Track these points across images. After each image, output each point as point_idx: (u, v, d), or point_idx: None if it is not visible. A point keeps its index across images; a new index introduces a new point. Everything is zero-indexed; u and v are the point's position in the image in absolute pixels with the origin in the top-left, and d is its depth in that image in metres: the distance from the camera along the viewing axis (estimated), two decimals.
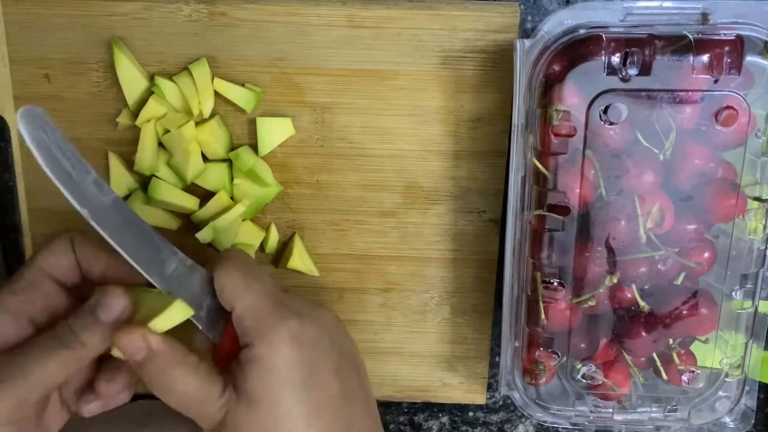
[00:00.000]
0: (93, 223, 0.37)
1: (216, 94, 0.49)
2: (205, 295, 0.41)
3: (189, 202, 0.50)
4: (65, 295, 0.40)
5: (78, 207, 0.36)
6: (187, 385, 0.38)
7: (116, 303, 0.37)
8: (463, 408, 0.59)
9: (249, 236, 0.51)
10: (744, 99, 0.43)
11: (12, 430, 0.36)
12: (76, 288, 0.41)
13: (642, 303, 0.47)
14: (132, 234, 0.39)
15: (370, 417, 0.43)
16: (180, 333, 0.39)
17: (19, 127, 0.34)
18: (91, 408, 0.40)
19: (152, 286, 0.40)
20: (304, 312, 0.40)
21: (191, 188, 0.50)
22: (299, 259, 0.52)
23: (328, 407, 0.39)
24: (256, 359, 0.38)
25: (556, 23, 0.44)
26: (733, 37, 0.43)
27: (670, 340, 0.48)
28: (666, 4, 0.43)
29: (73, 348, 0.37)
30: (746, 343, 0.49)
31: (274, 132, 0.50)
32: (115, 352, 0.38)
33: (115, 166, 0.50)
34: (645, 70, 0.43)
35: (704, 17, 0.43)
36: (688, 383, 0.49)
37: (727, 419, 0.50)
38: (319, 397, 0.39)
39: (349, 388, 0.41)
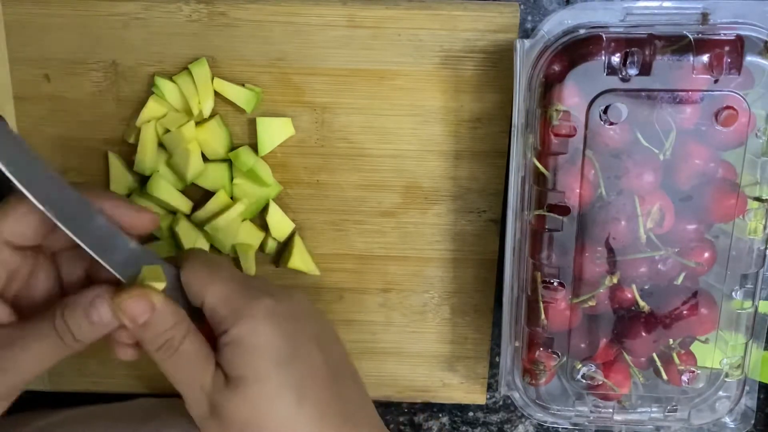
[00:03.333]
0: (60, 224, 0.37)
1: (216, 94, 0.49)
2: (175, 294, 0.40)
3: (183, 204, 0.50)
4: (28, 258, 0.39)
5: (42, 208, 0.36)
6: (190, 345, 0.38)
7: (105, 309, 0.37)
8: (463, 408, 0.59)
9: (249, 236, 0.51)
10: (744, 99, 0.43)
11: (5, 404, 0.39)
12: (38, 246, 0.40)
13: (642, 303, 0.47)
14: (95, 230, 0.38)
15: (361, 394, 0.43)
16: None
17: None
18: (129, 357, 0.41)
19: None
20: (275, 291, 0.40)
21: (191, 188, 0.50)
22: (299, 259, 0.52)
23: (315, 379, 0.39)
24: (236, 341, 0.38)
25: (556, 23, 0.44)
26: (733, 37, 0.43)
27: (670, 340, 0.48)
28: (666, 4, 0.43)
29: (68, 342, 0.38)
30: (746, 343, 0.49)
31: (274, 132, 0.50)
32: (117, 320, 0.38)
33: (115, 166, 0.50)
34: (645, 70, 0.43)
35: (704, 17, 0.43)
36: (688, 383, 0.49)
37: (727, 419, 0.50)
38: (305, 370, 0.39)
39: (333, 358, 0.41)
